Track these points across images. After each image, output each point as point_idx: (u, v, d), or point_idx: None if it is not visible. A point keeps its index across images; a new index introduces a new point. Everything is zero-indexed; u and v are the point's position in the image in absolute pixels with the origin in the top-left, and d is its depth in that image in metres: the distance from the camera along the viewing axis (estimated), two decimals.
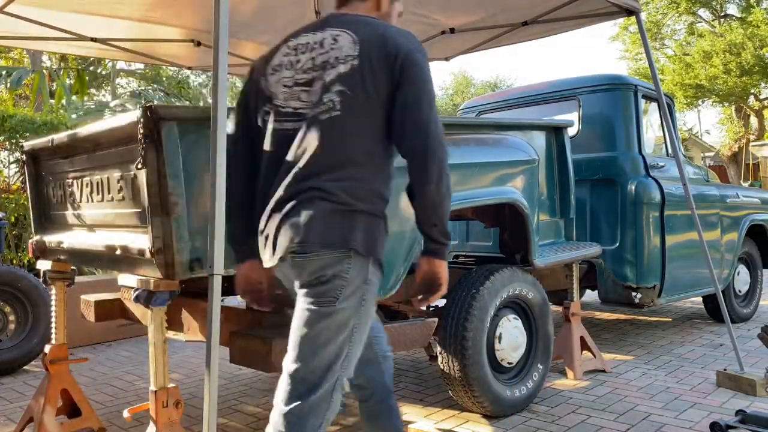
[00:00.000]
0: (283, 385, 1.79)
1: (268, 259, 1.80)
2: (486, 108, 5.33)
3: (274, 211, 1.77)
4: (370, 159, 1.79)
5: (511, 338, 3.24)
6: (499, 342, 3.20)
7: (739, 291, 5.48)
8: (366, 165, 1.78)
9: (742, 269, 5.53)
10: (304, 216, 1.70)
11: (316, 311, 1.73)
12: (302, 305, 1.76)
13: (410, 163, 1.79)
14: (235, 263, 2.00)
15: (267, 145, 1.85)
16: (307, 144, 1.74)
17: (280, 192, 1.76)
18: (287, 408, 1.75)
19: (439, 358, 3.13)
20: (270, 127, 1.85)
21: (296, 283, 1.78)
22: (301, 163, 1.74)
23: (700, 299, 5.56)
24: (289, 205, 1.73)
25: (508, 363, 3.27)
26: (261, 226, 1.83)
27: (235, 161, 1.96)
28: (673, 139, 4.18)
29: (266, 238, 1.79)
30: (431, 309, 3.61)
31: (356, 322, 1.76)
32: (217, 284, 2.00)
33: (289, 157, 1.77)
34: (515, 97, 5.15)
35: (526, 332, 3.35)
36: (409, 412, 3.39)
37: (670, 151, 4.77)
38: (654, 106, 4.93)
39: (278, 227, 1.74)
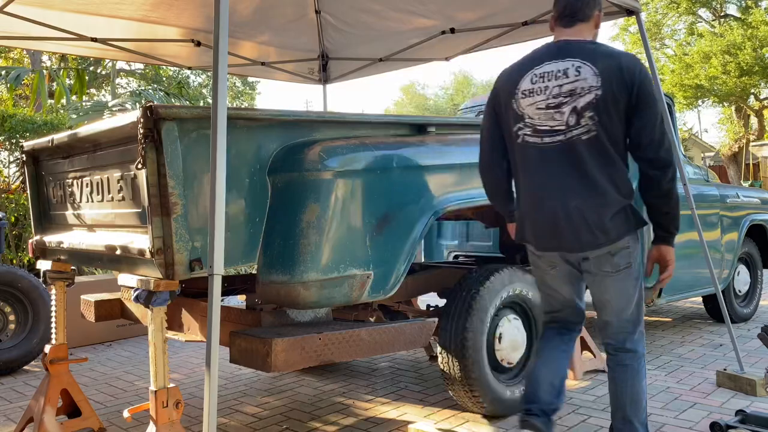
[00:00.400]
0: (611, 333, 2.42)
1: (553, 246, 2.36)
2: None
3: (557, 207, 2.28)
4: (621, 165, 2.29)
5: (512, 338, 3.25)
6: (499, 342, 3.20)
7: (739, 291, 5.48)
8: (620, 169, 2.28)
9: (742, 269, 5.53)
10: (595, 215, 2.23)
11: (619, 276, 2.31)
12: (605, 276, 2.32)
13: (646, 170, 2.28)
14: (508, 222, 2.61)
15: (528, 153, 2.34)
16: (578, 157, 2.24)
17: (562, 193, 2.27)
18: (624, 344, 2.39)
19: (439, 358, 3.13)
20: (528, 139, 2.33)
21: (588, 261, 2.32)
22: (577, 172, 2.25)
23: (700, 299, 5.56)
24: (575, 204, 2.24)
25: (508, 363, 3.27)
26: (535, 216, 2.35)
27: (496, 160, 2.49)
28: (672, 139, 4.18)
29: (541, 227, 2.34)
30: (431, 309, 3.62)
31: (640, 272, 2.37)
32: (217, 284, 2.00)
33: (560, 165, 2.27)
34: None
35: (526, 332, 3.35)
36: (409, 412, 3.39)
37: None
38: None
39: (569, 222, 2.26)
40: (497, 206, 2.66)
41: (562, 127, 2.25)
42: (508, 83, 2.40)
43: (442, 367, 3.13)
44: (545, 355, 2.53)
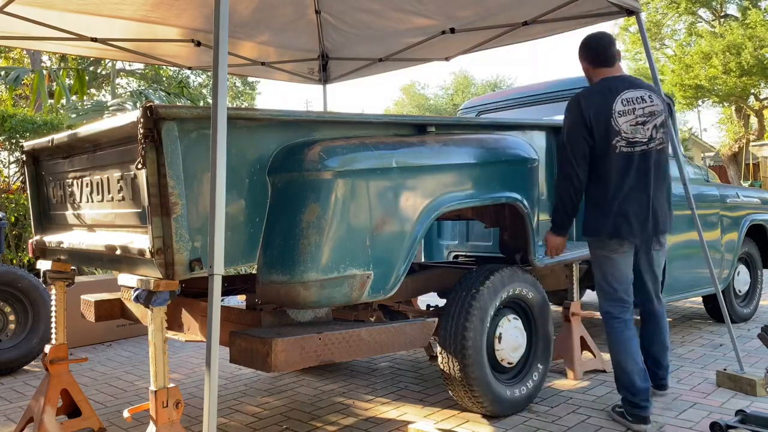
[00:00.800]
0: (646, 292, 3.35)
1: (636, 234, 3.05)
2: (486, 108, 5.32)
3: (647, 200, 3.03)
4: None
5: (511, 338, 3.25)
6: (499, 342, 3.20)
7: (739, 291, 5.48)
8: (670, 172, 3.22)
9: (742, 269, 5.53)
10: (664, 210, 3.11)
11: (662, 252, 3.31)
12: (655, 252, 3.27)
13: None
14: (562, 234, 3.25)
15: (623, 160, 3.01)
16: (656, 163, 3.05)
17: (647, 190, 3.03)
18: (659, 306, 3.38)
19: (439, 358, 3.14)
20: (624, 150, 3.01)
21: (647, 243, 3.19)
22: (654, 173, 3.04)
23: (700, 299, 5.56)
24: (656, 197, 3.05)
25: (508, 363, 3.26)
26: (630, 208, 3.02)
27: (583, 172, 3.07)
28: (672, 139, 4.18)
29: (635, 217, 3.03)
30: (431, 309, 3.61)
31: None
32: (217, 284, 2.00)
33: (643, 168, 3.02)
34: (515, 97, 5.14)
35: (526, 332, 3.35)
36: (409, 412, 3.39)
37: (670, 151, 4.78)
38: None
39: (653, 214, 3.05)
40: (570, 217, 3.18)
41: (645, 139, 3.02)
42: (602, 107, 3.01)
43: (442, 367, 3.13)
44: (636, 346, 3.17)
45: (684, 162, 5.06)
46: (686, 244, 4.60)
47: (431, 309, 3.62)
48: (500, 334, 3.20)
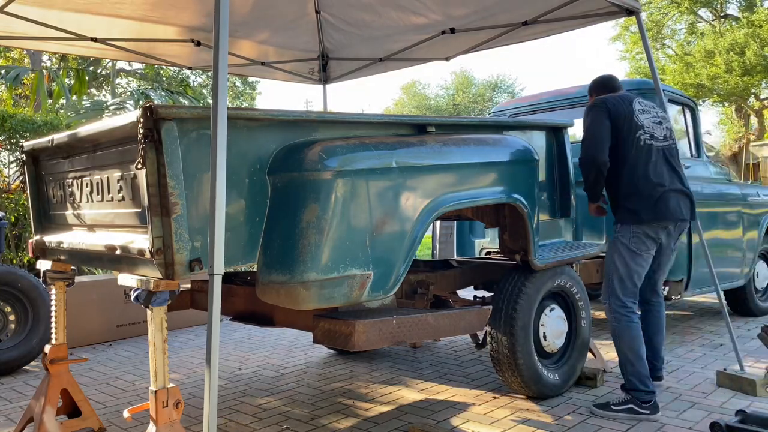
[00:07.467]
0: (658, 288, 3.64)
1: (677, 216, 3.33)
2: (518, 111, 5.44)
3: (677, 187, 3.35)
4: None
5: (555, 326, 3.51)
6: (544, 329, 3.46)
7: (759, 287, 5.70)
8: None
9: (762, 266, 5.73)
10: (689, 198, 3.40)
11: (676, 244, 3.55)
12: (676, 243, 3.52)
13: None
14: (595, 201, 3.56)
15: (649, 150, 3.33)
16: (674, 158, 3.41)
17: (672, 180, 3.34)
18: (660, 297, 3.66)
19: (489, 345, 3.40)
20: (648, 142, 3.34)
21: (673, 231, 3.41)
22: (677, 167, 3.41)
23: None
24: (683, 188, 3.37)
25: (551, 349, 3.51)
26: (661, 194, 3.29)
27: (604, 154, 3.33)
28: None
29: (673, 200, 3.31)
30: (478, 300, 3.86)
31: None
32: (217, 284, 2.00)
33: (667, 160, 3.37)
34: (547, 100, 5.26)
35: (567, 321, 3.61)
36: (409, 412, 3.39)
37: (694, 151, 5.06)
38: (678, 108, 5.08)
39: (680, 199, 3.33)
40: (597, 188, 3.46)
41: (662, 137, 3.40)
42: (625, 107, 3.36)
43: (491, 352, 3.38)
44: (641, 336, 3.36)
45: (707, 162, 5.19)
46: (711, 242, 4.72)
47: (478, 300, 3.86)
48: (544, 322, 3.48)
